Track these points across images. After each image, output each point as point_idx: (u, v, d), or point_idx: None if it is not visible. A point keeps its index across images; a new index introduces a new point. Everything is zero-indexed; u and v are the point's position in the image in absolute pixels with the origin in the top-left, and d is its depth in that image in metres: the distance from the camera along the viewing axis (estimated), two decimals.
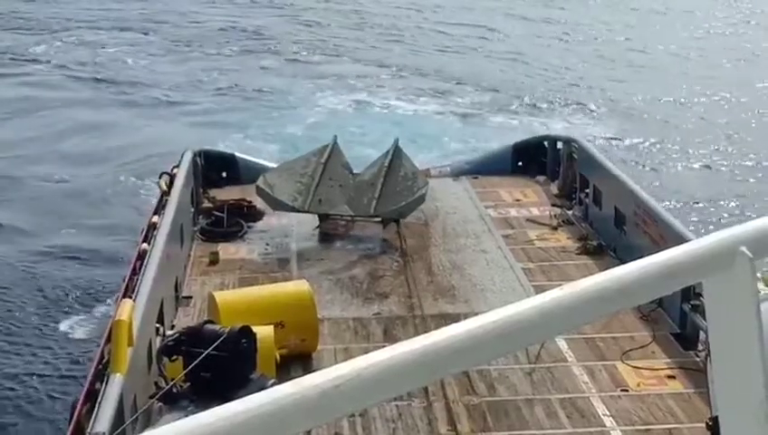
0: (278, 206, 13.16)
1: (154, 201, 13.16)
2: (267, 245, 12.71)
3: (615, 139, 24.09)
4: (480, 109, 27.17)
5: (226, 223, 13.10)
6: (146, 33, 35.62)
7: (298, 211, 13.09)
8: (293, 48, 33.87)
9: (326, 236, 12.94)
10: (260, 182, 13.19)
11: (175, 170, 13.26)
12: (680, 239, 9.31)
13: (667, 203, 18.03)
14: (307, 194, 13.06)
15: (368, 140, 21.29)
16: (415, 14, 39.93)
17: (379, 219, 12.93)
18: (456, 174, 15.27)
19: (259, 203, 13.64)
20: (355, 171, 13.60)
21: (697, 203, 19.85)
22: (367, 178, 13.33)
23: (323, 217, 13.13)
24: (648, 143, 23.89)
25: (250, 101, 27.84)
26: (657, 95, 28.13)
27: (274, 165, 14.45)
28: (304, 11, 39.95)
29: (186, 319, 10.41)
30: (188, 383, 7.67)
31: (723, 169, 22.37)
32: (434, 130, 24.61)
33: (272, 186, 13.13)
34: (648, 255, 2.12)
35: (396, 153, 13.46)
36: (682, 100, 27.88)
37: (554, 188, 14.53)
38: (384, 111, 26.99)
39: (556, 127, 23.43)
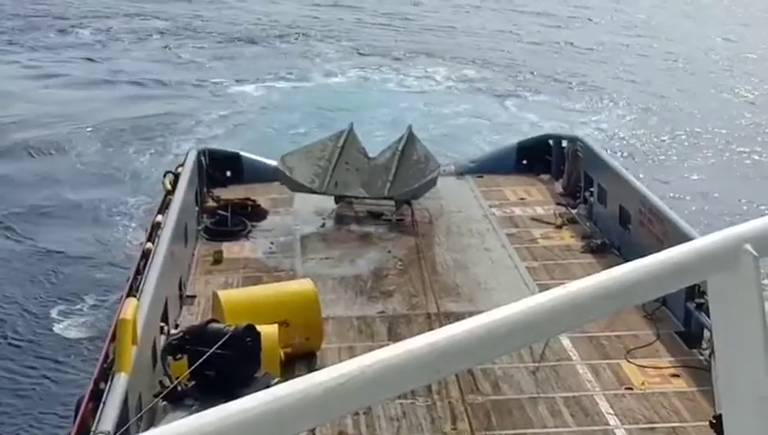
0: (296, 187, 13.60)
1: (158, 200, 13.18)
2: (271, 244, 12.72)
3: (624, 135, 24.15)
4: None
5: (230, 222, 13.11)
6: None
7: (315, 193, 13.47)
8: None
9: (342, 219, 13.35)
10: (279, 164, 13.64)
11: (179, 169, 13.28)
12: (685, 238, 9.25)
13: (674, 197, 18.10)
14: (324, 176, 13.48)
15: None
16: None
17: (393, 201, 13.42)
18: (461, 173, 15.28)
19: (263, 202, 13.72)
20: (370, 156, 13.95)
21: (703, 201, 19.83)
22: (381, 162, 13.72)
23: (339, 199, 13.55)
24: (655, 139, 23.92)
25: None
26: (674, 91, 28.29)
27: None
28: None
29: (190, 318, 10.42)
30: (193, 382, 7.67)
31: (729, 166, 22.35)
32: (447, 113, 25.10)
33: (290, 168, 13.54)
34: (652, 253, 2.12)
35: (409, 138, 13.84)
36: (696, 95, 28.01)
37: (559, 187, 14.52)
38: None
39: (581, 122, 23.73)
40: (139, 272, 9.89)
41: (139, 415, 7.59)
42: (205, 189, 14.08)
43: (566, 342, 9.75)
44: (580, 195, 13.78)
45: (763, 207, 18.87)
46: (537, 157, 15.26)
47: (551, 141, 15.34)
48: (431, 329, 1.82)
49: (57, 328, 14.55)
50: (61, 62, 31.52)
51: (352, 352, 9.46)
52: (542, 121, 23.99)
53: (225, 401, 1.60)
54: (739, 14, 39.60)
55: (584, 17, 38.67)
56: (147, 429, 7.41)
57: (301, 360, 9.40)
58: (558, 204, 13.90)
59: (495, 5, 40.38)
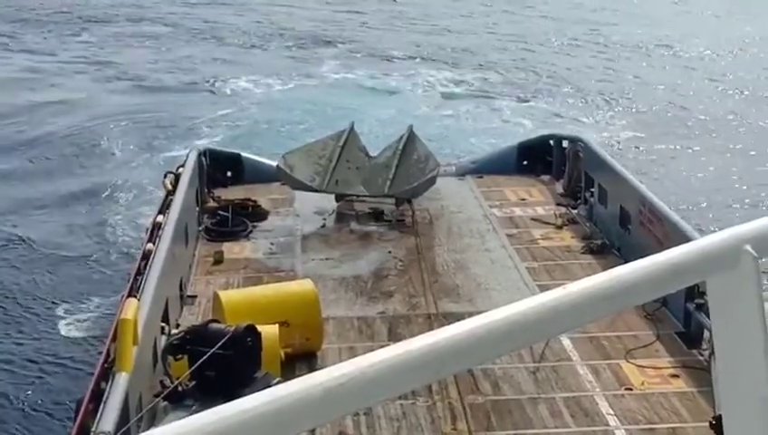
0: (297, 186, 13.69)
1: (159, 201, 13.18)
2: (272, 244, 12.73)
3: (628, 138, 24.15)
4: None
5: (231, 222, 13.12)
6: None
7: (316, 191, 13.53)
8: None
9: (342, 217, 13.43)
10: (280, 163, 13.72)
11: (180, 170, 13.28)
12: (685, 238, 9.28)
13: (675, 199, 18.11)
14: (325, 175, 13.58)
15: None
16: None
17: (393, 199, 13.52)
18: (461, 173, 15.28)
19: (263, 202, 13.73)
20: (371, 154, 14.04)
21: (703, 203, 19.82)
22: (382, 161, 13.82)
23: (339, 198, 13.64)
24: (658, 141, 23.92)
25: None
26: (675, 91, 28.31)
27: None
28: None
29: (191, 318, 10.42)
30: (193, 382, 7.67)
31: (732, 166, 22.33)
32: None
33: (291, 166, 13.63)
34: (652, 254, 2.12)
35: (410, 138, 13.94)
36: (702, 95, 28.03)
37: (559, 188, 14.51)
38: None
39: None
40: (140, 272, 9.89)
41: (139, 415, 7.58)
42: (205, 190, 14.09)
43: (566, 342, 9.76)
44: (581, 195, 13.78)
45: (763, 209, 18.87)
46: (538, 157, 15.26)
47: (551, 142, 15.32)
48: (431, 329, 1.82)
49: (58, 328, 14.55)
50: (62, 62, 31.56)
51: (353, 353, 9.46)
52: (545, 125, 24.01)
53: (226, 402, 1.60)
54: (746, 15, 39.63)
55: (591, 21, 38.66)
56: (147, 429, 7.40)
57: (301, 360, 9.40)
58: (558, 204, 13.90)
59: (501, 7, 40.37)
